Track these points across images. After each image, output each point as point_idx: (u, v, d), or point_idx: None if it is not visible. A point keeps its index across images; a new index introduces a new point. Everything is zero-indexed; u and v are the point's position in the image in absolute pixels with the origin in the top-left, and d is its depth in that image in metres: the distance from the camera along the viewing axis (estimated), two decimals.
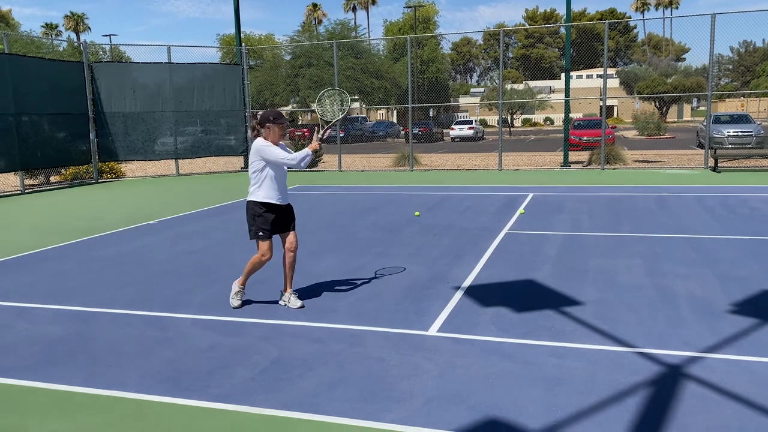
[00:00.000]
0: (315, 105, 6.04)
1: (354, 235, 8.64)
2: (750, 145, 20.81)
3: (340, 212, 10.82)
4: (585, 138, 22.80)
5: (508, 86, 48.67)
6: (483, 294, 5.61)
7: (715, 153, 16.35)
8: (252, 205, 5.22)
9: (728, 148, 19.92)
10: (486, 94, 51.58)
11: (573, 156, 19.26)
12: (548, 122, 64.16)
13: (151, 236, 8.97)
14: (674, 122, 56.20)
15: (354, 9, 77.15)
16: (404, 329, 4.76)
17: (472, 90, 71.25)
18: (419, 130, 36.73)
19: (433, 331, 4.71)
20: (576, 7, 78.21)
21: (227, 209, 11.45)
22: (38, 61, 16.79)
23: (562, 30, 66.62)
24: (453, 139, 39.96)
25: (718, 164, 16.17)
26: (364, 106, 45.14)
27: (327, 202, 12.34)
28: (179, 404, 3.64)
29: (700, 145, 23.34)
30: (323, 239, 8.41)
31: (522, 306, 5.23)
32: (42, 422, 3.47)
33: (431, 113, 49.48)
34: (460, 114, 58.18)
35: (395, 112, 58.83)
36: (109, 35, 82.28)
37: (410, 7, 50.61)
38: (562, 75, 29.76)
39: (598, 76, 56.80)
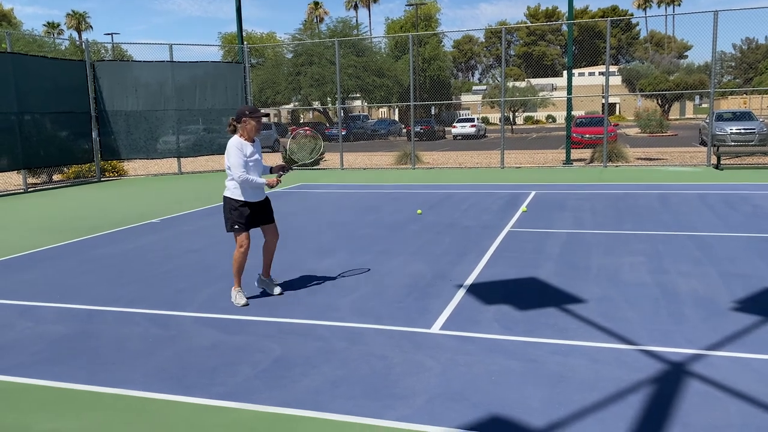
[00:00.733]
0: (290, 142, 6.11)
1: (356, 233, 8.65)
2: (753, 143, 20.78)
3: (342, 210, 10.83)
4: (587, 135, 22.78)
5: (510, 84, 48.60)
6: (486, 292, 5.61)
7: (717, 150, 16.32)
8: (228, 200, 5.39)
9: (731, 146, 19.89)
10: (488, 92, 51.55)
11: (575, 154, 19.24)
12: (550, 120, 64.06)
13: (153, 235, 8.98)
14: (677, 120, 56.06)
15: (356, 7, 77.06)
16: (407, 327, 4.76)
17: (474, 88, 71.21)
18: (421, 128, 36.72)
19: (435, 328, 4.71)
20: (578, 5, 78.11)
21: None
22: (40, 60, 16.82)
23: (564, 27, 66.45)
24: (455, 137, 39.92)
25: (721, 162, 16.13)
26: (365, 104, 45.12)
27: (329, 200, 12.35)
28: (182, 402, 3.64)
29: (703, 143, 23.28)
30: (325, 237, 8.41)
31: (525, 304, 5.23)
32: (45, 420, 3.47)
33: (433, 111, 49.43)
34: (462, 112, 58.12)
35: (397, 110, 58.82)
36: (111, 34, 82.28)
37: (412, 4, 50.52)
38: (564, 72, 29.71)
39: (601, 73, 56.71)
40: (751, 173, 14.71)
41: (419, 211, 10.03)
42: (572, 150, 18.55)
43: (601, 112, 31.25)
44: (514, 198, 11.48)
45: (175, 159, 19.21)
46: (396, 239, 8.10)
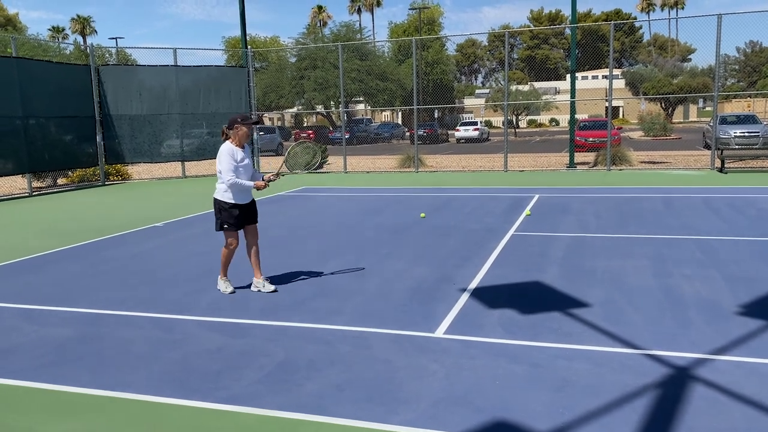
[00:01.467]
0: (294, 146, 6.13)
1: (360, 236, 8.65)
2: (757, 146, 20.74)
3: (345, 214, 10.83)
4: (591, 139, 22.72)
5: (514, 87, 48.60)
6: (490, 295, 5.60)
7: (721, 154, 16.29)
8: (218, 201, 5.82)
9: (735, 149, 19.84)
10: (491, 96, 51.50)
11: (579, 157, 19.22)
12: (554, 123, 64.02)
13: (157, 238, 8.99)
14: (680, 123, 55.99)
15: (359, 11, 77.24)
16: (411, 331, 4.76)
17: (477, 91, 71.16)
18: (424, 132, 36.72)
19: (439, 332, 4.70)
20: (581, 8, 78.16)
21: None
22: (45, 65, 16.91)
23: (568, 31, 66.53)
24: (458, 140, 39.96)
25: (725, 165, 16.10)
26: (369, 107, 45.15)
27: (332, 203, 12.36)
28: (186, 406, 3.65)
29: (707, 146, 23.25)
30: (329, 241, 8.42)
31: (529, 308, 5.22)
32: (49, 423, 3.48)
33: (436, 115, 49.46)
34: (465, 115, 58.10)
35: (400, 113, 58.83)
36: (116, 38, 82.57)
37: (415, 8, 50.66)
38: (568, 76, 29.72)
39: (604, 77, 56.65)
40: (755, 176, 14.67)
41: (423, 215, 10.03)
42: (576, 153, 18.54)
43: (604, 116, 31.24)
44: (518, 201, 11.47)
45: (179, 163, 19.25)
46: (400, 242, 8.10)
